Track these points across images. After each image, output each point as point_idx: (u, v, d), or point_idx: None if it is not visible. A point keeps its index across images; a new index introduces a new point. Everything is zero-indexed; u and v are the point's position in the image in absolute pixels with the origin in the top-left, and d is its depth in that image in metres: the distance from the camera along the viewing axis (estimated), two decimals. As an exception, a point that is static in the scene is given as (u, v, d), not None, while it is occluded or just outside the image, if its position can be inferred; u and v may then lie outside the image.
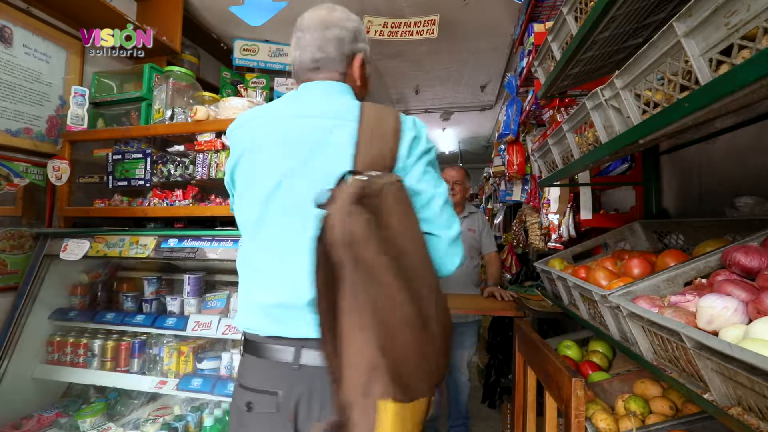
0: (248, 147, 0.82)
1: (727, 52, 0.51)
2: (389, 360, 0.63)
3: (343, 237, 0.61)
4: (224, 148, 1.69)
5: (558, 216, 1.97)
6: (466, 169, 2.31)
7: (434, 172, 0.81)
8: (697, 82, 0.56)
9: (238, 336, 1.17)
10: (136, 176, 1.82)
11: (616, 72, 0.77)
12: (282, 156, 0.78)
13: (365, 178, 0.65)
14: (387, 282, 0.62)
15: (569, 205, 1.86)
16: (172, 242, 1.59)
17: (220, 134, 1.72)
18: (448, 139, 6.19)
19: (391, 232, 0.64)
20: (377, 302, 0.62)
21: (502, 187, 3.64)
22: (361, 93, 0.93)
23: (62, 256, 1.68)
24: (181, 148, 1.81)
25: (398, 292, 0.62)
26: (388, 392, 0.63)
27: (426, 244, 0.71)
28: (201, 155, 1.71)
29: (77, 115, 1.93)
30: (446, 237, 0.78)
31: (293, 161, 0.77)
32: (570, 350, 1.34)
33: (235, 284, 1.60)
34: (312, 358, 0.75)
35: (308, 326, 0.73)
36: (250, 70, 2.93)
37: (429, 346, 0.65)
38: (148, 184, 1.81)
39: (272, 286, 0.78)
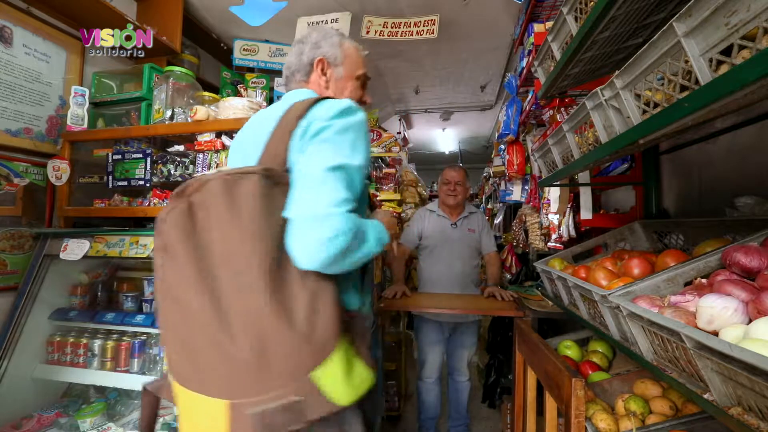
0: (230, 151, 0.98)
1: (727, 52, 0.51)
2: (175, 340, 0.68)
3: (156, 224, 0.71)
4: (224, 148, 1.69)
5: (558, 216, 1.97)
6: (466, 170, 2.31)
7: (330, 149, 0.72)
8: (697, 82, 0.56)
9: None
10: (136, 176, 1.82)
11: (616, 72, 0.77)
12: (232, 160, 0.93)
13: (203, 174, 0.75)
14: (182, 266, 0.67)
15: (569, 205, 1.86)
16: (172, 242, 1.59)
17: (220, 134, 1.72)
18: (448, 139, 6.20)
19: (202, 223, 0.69)
20: (173, 282, 0.68)
21: (502, 187, 3.64)
22: (335, 94, 0.96)
23: (62, 256, 1.67)
24: (181, 148, 1.81)
25: (193, 277, 0.66)
26: (174, 371, 0.69)
27: (255, 236, 0.67)
28: (201, 155, 1.71)
29: (77, 115, 1.93)
30: (301, 216, 0.68)
31: (237, 164, 0.87)
32: (570, 350, 1.34)
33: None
34: None
35: None
36: (250, 70, 2.93)
37: (226, 341, 0.63)
38: (148, 184, 1.80)
39: None
